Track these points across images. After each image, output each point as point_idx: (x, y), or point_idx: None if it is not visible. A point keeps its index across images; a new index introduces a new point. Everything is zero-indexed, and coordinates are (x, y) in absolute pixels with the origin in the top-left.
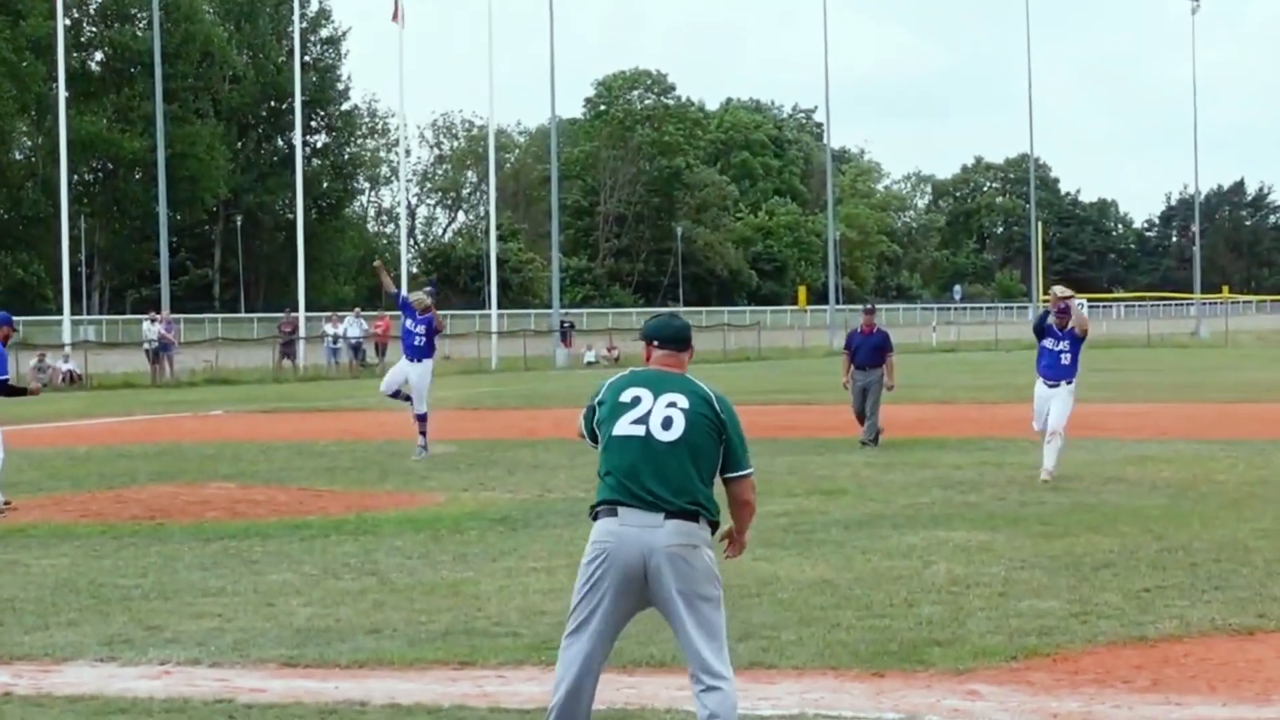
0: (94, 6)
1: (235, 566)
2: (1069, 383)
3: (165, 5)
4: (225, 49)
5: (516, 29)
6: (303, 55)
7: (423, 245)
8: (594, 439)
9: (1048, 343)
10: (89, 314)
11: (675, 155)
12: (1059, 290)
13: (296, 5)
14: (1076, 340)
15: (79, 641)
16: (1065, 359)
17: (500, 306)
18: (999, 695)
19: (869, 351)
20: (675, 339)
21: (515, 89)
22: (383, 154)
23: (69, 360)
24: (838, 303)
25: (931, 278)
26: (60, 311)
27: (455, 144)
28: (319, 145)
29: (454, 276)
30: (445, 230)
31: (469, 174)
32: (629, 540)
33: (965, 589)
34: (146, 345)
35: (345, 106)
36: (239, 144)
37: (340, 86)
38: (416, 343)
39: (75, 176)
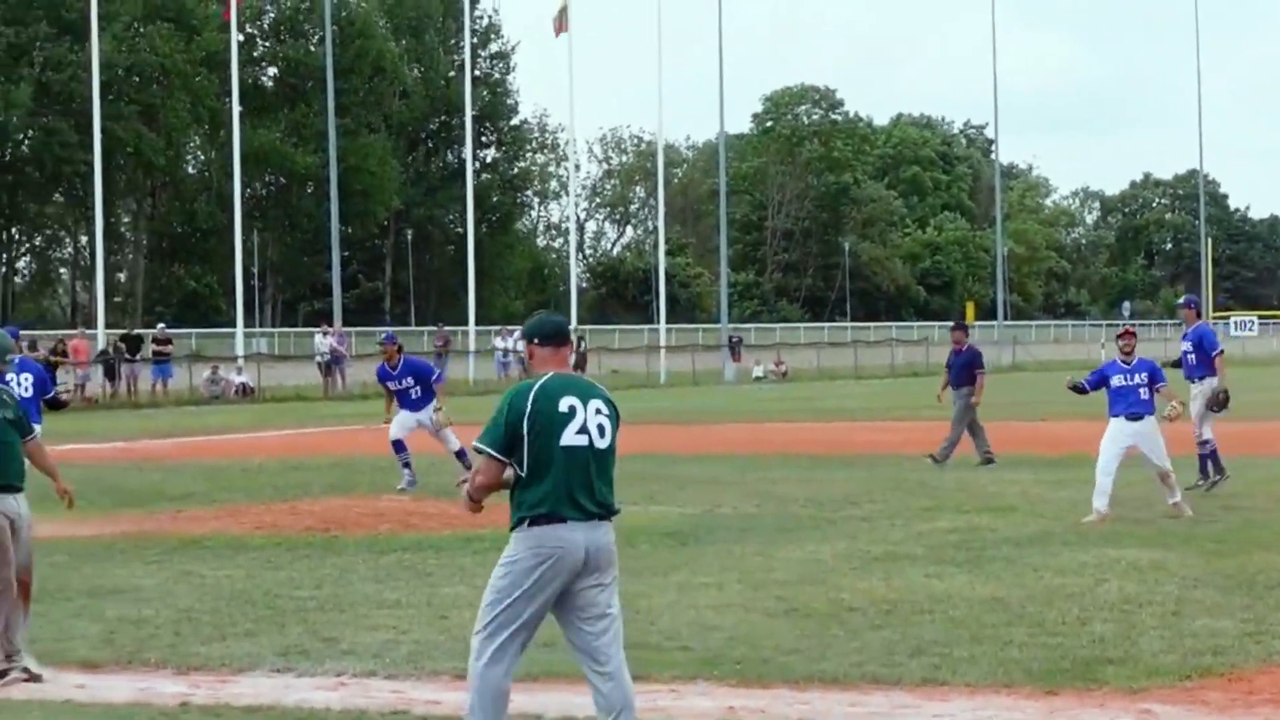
0: (267, 22)
1: (409, 579)
2: (1152, 415)
3: (338, 21)
4: (397, 64)
5: (684, 44)
6: (472, 70)
7: (591, 260)
8: (506, 451)
9: (1116, 380)
10: (261, 326)
11: (843, 171)
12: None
13: (468, 21)
14: (1155, 370)
15: (255, 652)
16: (1144, 393)
17: (669, 321)
18: (1173, 715)
19: (958, 370)
20: (557, 334)
21: (683, 103)
22: (551, 168)
23: (242, 372)
24: (1006, 319)
25: (1100, 294)
26: (233, 324)
27: (623, 158)
28: (488, 160)
29: (622, 291)
30: (614, 245)
31: (637, 188)
32: (578, 544)
33: (1138, 607)
34: (318, 358)
35: (514, 121)
36: (409, 158)
37: (510, 101)
38: (413, 396)
39: (248, 190)
